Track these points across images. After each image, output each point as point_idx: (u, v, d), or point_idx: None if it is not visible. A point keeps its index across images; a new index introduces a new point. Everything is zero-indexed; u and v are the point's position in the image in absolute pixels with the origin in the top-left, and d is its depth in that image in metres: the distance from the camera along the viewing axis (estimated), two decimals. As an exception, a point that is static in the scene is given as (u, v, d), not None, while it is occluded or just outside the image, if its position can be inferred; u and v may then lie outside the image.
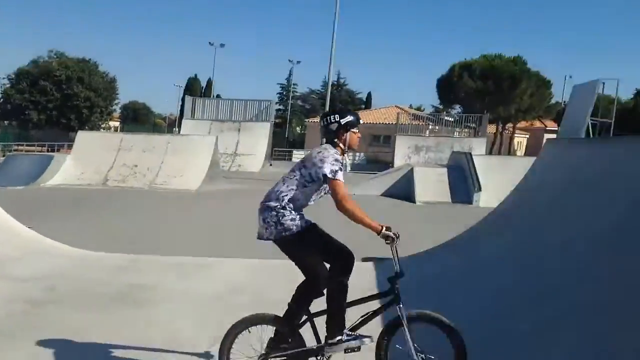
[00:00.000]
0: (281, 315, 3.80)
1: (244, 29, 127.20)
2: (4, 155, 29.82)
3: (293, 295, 3.78)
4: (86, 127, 47.22)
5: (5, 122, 53.49)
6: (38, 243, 8.13)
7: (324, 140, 3.93)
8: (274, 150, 39.80)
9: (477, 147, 31.91)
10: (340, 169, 3.69)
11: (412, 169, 19.20)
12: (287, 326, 3.77)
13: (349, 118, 3.99)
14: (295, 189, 3.73)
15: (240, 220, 12.13)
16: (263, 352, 3.79)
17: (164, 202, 15.62)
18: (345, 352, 3.74)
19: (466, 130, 37.89)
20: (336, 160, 3.70)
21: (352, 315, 3.73)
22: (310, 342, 3.77)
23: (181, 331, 4.97)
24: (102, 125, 54.86)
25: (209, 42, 64.43)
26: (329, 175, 3.62)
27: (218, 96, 58.59)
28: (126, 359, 4.37)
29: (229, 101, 36.77)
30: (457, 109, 52.69)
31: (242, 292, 6.32)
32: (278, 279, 6.22)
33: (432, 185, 17.78)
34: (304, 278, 3.74)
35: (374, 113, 53.19)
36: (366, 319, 3.72)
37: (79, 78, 50.28)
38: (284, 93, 74.65)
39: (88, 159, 19.18)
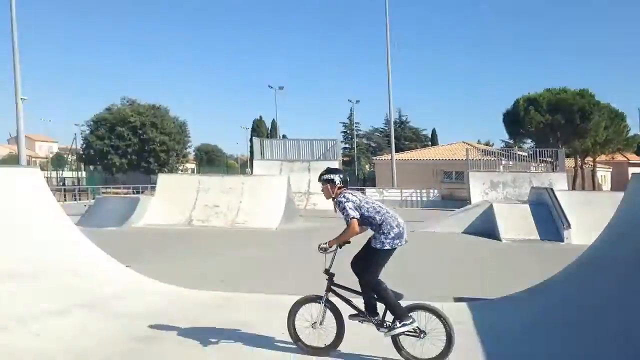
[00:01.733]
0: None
1: (302, 70, 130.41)
2: (93, 198, 31.49)
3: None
4: (165, 170, 49.21)
5: (91, 166, 56.62)
6: (137, 281, 8.39)
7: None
8: (346, 189, 39.75)
9: (558, 182, 30.74)
10: None
11: (491, 206, 18.63)
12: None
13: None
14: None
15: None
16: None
17: (247, 240, 15.89)
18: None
19: (542, 165, 36.66)
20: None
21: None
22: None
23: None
24: (180, 167, 56.95)
25: (269, 85, 65.96)
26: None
27: (284, 136, 59.70)
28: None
29: (296, 141, 37.45)
30: (529, 143, 51.29)
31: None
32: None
33: (516, 221, 17.15)
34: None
35: (441, 149, 52.54)
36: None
37: (152, 123, 52.63)
38: (348, 132, 75.31)
39: (171, 201, 19.87)
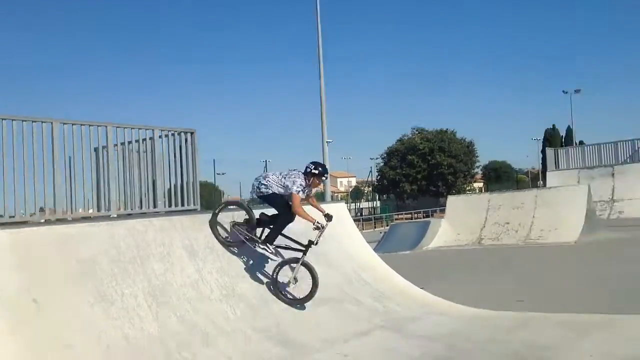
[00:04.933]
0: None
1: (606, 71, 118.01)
2: (387, 225, 33.68)
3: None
4: (453, 192, 50.07)
5: (384, 195, 61.00)
6: (432, 303, 8.62)
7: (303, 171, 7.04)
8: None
9: None
10: (302, 190, 6.82)
11: None
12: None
13: (315, 171, 6.96)
14: (275, 186, 7.00)
15: (632, 272, 10.75)
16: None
17: (542, 257, 14.98)
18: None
19: None
20: (300, 184, 6.82)
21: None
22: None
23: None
24: (467, 188, 57.34)
25: (563, 91, 60.48)
26: (293, 191, 6.80)
27: (581, 143, 55.01)
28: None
29: (596, 146, 33.88)
30: None
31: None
32: None
33: None
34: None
35: None
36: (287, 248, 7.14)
37: (439, 148, 54.43)
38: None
39: (461, 221, 20.00)
